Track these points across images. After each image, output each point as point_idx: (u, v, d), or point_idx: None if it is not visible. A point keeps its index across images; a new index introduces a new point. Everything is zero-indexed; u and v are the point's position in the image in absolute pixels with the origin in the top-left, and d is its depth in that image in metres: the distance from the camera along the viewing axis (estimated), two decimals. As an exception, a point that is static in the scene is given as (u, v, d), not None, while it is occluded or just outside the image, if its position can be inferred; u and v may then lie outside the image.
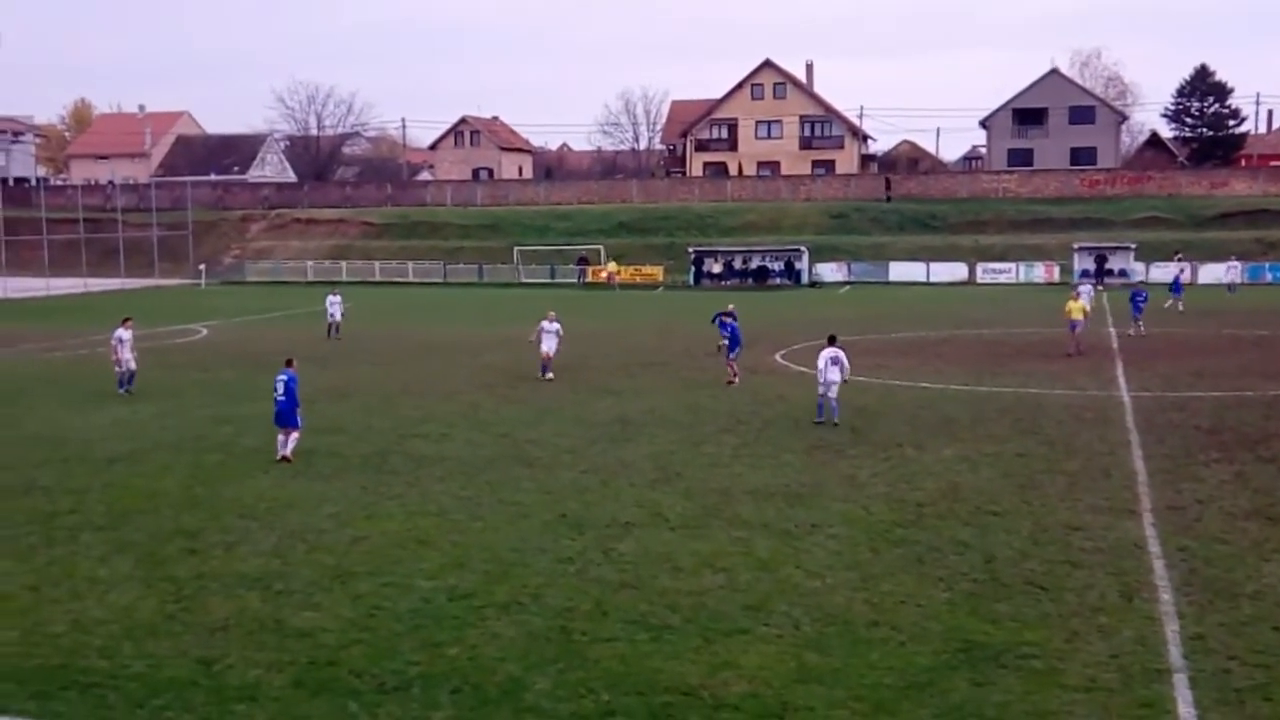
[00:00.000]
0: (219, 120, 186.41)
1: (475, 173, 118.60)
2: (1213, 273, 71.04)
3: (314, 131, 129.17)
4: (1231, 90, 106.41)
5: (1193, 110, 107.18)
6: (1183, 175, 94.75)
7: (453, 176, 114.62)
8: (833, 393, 25.16)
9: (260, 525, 17.68)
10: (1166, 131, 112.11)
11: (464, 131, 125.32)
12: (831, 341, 25.72)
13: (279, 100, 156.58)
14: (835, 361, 25.11)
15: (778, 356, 37.30)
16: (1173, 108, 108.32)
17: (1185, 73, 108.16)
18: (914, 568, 15.21)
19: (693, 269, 79.14)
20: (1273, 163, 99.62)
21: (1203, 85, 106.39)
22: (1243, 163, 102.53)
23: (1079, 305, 37.92)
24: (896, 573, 14.99)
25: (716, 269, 79.24)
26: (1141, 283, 59.71)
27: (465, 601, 14.09)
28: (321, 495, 19.44)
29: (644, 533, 17.04)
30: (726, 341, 31.68)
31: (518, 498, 19.18)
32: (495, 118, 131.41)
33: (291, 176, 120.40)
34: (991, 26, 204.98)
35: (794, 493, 19.28)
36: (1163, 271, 71.43)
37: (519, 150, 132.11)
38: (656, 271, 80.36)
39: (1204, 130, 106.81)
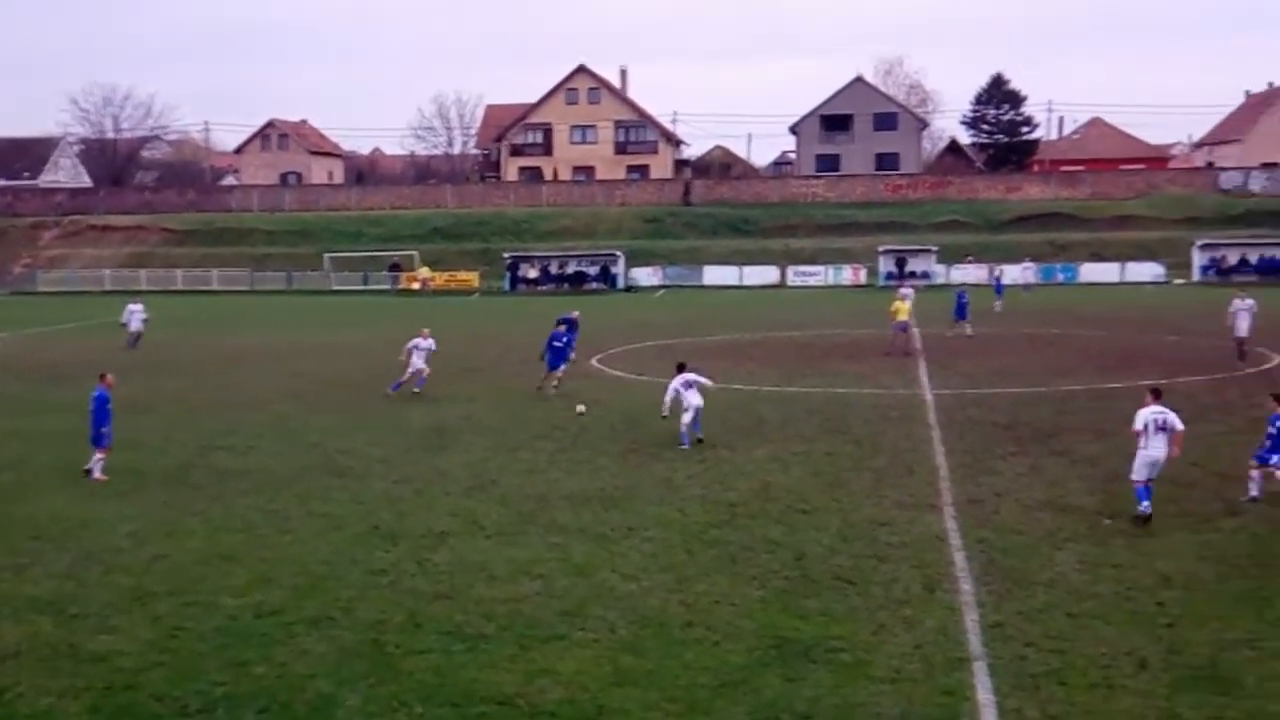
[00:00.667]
0: (7, 123, 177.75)
1: (283, 177, 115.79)
2: (1009, 274, 74.09)
3: (110, 134, 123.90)
4: (1025, 98, 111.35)
5: (989, 118, 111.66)
6: (980, 180, 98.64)
7: (259, 181, 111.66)
8: (688, 417, 23.62)
9: (53, 546, 16.86)
10: (965, 138, 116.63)
11: (271, 135, 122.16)
12: (681, 369, 24.31)
13: (72, 102, 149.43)
14: (690, 385, 23.68)
15: (594, 361, 37.38)
16: (970, 115, 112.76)
17: (982, 81, 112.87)
18: (728, 567, 15.40)
19: (508, 274, 78.90)
20: (1064, 168, 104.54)
21: (998, 93, 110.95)
22: (1036, 168, 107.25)
23: (905, 306, 39.10)
24: (711, 573, 15.15)
25: (532, 274, 79.14)
26: (964, 285, 61.71)
27: (273, 618, 13.69)
28: (119, 514, 18.65)
29: (459, 541, 16.85)
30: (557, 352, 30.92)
31: (328, 509, 18.76)
32: (304, 121, 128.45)
33: (87, 181, 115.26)
34: (800, 35, 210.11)
35: (610, 497, 19.34)
36: (961, 273, 74.32)
37: (329, 154, 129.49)
38: (472, 277, 79.78)
39: (1000, 137, 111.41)
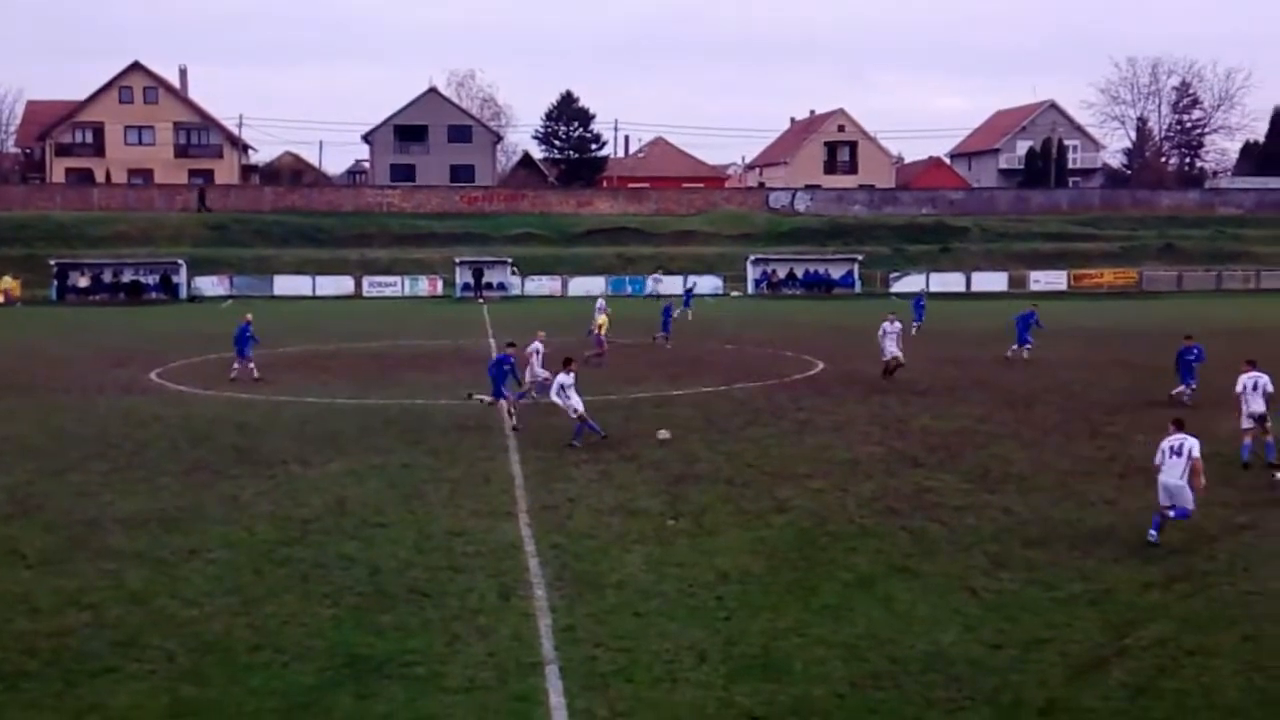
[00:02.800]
0: None
1: None
2: (583, 286, 76.80)
3: None
4: (594, 116, 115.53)
5: (560, 134, 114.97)
6: (553, 194, 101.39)
7: None
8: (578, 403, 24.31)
9: None
10: (538, 153, 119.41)
11: None
12: (567, 365, 24.88)
13: None
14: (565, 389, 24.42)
15: (154, 375, 35.31)
16: (542, 131, 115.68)
17: (552, 98, 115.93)
18: (299, 586, 14.87)
19: (56, 283, 73.38)
20: (630, 185, 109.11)
21: (568, 111, 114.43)
22: (605, 184, 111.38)
23: (604, 320, 39.54)
24: (280, 593, 14.58)
25: (84, 283, 74.11)
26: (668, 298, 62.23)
27: None
28: None
29: (-4, 573, 15.37)
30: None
31: None
32: None
33: None
34: (370, 43, 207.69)
35: (171, 518, 18.23)
36: (536, 284, 76.38)
37: None
38: (14, 286, 73.41)
39: (571, 153, 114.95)
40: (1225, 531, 17.32)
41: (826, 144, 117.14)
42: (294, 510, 18.77)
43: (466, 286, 76.82)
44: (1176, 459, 16.53)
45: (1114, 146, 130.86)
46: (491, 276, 77.91)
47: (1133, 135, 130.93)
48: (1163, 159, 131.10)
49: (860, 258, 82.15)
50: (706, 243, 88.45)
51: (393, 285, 78.36)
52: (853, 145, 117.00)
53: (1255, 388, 21.78)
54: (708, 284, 79.32)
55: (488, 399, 26.70)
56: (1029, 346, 38.40)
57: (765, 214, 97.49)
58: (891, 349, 33.53)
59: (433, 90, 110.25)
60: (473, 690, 11.55)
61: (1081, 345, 42.50)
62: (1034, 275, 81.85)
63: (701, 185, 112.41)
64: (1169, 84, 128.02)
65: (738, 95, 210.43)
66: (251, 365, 33.90)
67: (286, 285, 76.63)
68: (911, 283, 79.64)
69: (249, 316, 35.67)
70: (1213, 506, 18.74)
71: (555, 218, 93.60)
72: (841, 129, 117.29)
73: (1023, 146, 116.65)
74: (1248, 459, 21.38)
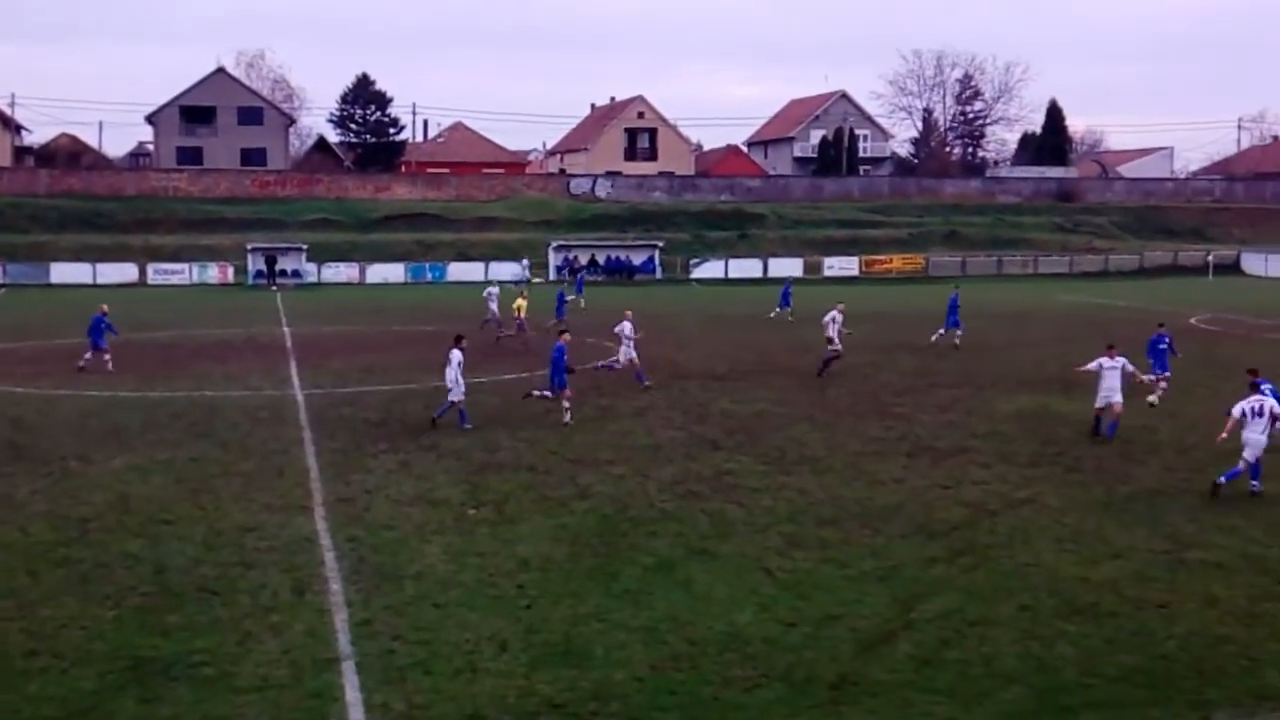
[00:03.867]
0: None
1: None
2: (381, 273, 75.59)
3: None
4: (391, 100, 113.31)
5: (357, 117, 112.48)
6: (350, 179, 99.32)
7: None
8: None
9: None
10: (333, 136, 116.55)
11: None
12: (458, 341, 24.96)
13: None
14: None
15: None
16: (338, 114, 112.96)
17: (348, 80, 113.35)
18: (78, 588, 14.20)
19: None
20: (430, 170, 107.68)
21: (365, 93, 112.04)
22: (403, 169, 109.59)
23: (523, 304, 40.63)
24: (58, 595, 13.89)
25: None
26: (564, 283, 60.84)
27: None
28: None
29: None
30: None
31: None
32: None
33: None
34: (153, 19, 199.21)
35: (-64, 520, 17.20)
36: (333, 272, 74.85)
37: None
38: None
39: (368, 137, 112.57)
40: (1006, 506, 18.11)
41: (627, 130, 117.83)
42: (73, 508, 17.92)
43: (259, 274, 74.56)
44: (1259, 419, 18.55)
45: (902, 136, 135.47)
46: (285, 263, 75.82)
47: (919, 125, 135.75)
48: (947, 149, 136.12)
49: (661, 244, 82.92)
50: (508, 229, 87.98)
51: (180, 273, 75.46)
52: (652, 132, 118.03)
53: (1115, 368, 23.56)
54: (509, 270, 79.03)
55: (543, 392, 25.80)
56: (960, 331, 38.76)
57: (567, 200, 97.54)
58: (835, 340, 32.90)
59: (221, 70, 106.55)
60: (265, 689, 11.23)
61: (872, 329, 43.83)
62: (828, 261, 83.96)
63: (502, 171, 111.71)
64: (953, 76, 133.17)
65: (538, 80, 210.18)
66: (107, 357, 33.12)
67: (65, 273, 72.96)
68: (711, 269, 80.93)
69: (105, 307, 34.93)
70: (993, 483, 19.60)
71: (352, 203, 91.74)
72: (641, 116, 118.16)
73: (816, 135, 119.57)
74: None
